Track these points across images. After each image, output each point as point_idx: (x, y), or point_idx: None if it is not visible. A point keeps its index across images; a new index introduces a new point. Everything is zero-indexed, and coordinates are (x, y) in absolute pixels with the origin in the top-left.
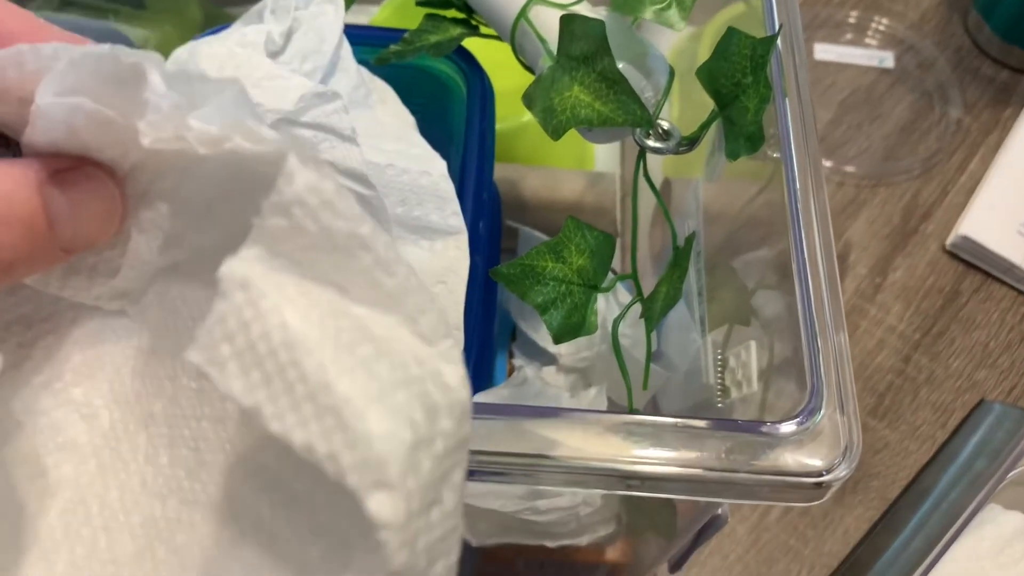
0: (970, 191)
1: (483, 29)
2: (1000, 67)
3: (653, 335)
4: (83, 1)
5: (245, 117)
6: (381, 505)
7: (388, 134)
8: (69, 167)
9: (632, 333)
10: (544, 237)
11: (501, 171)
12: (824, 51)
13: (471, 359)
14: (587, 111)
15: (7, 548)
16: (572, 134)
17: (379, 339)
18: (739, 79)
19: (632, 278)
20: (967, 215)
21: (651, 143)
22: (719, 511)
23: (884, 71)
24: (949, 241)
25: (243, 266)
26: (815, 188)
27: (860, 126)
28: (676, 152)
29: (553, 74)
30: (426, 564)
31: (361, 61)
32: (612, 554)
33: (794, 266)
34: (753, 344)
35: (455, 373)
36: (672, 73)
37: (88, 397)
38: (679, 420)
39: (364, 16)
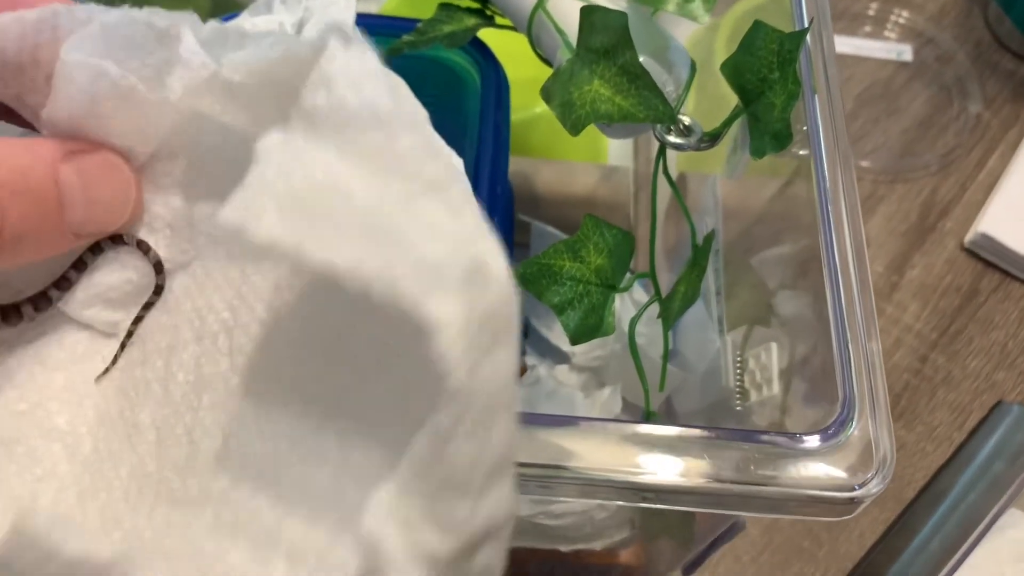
0: (989, 188)
1: (498, 19)
2: (1021, 61)
3: (669, 334)
4: None
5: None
6: (440, 305)
7: None
8: (86, 149)
9: (647, 331)
10: (557, 232)
11: (514, 164)
12: (842, 43)
13: None
14: (607, 106)
15: None
16: (587, 127)
17: (425, 208)
18: (765, 74)
19: (650, 277)
20: (986, 212)
21: (672, 139)
22: (738, 518)
23: (902, 64)
24: (967, 239)
25: (280, 134)
26: (846, 190)
27: (877, 120)
28: (697, 148)
29: (572, 67)
30: (486, 396)
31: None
32: (626, 558)
33: (825, 272)
34: (774, 346)
35: (498, 252)
36: (694, 67)
37: (72, 425)
38: (701, 430)
39: (374, 4)
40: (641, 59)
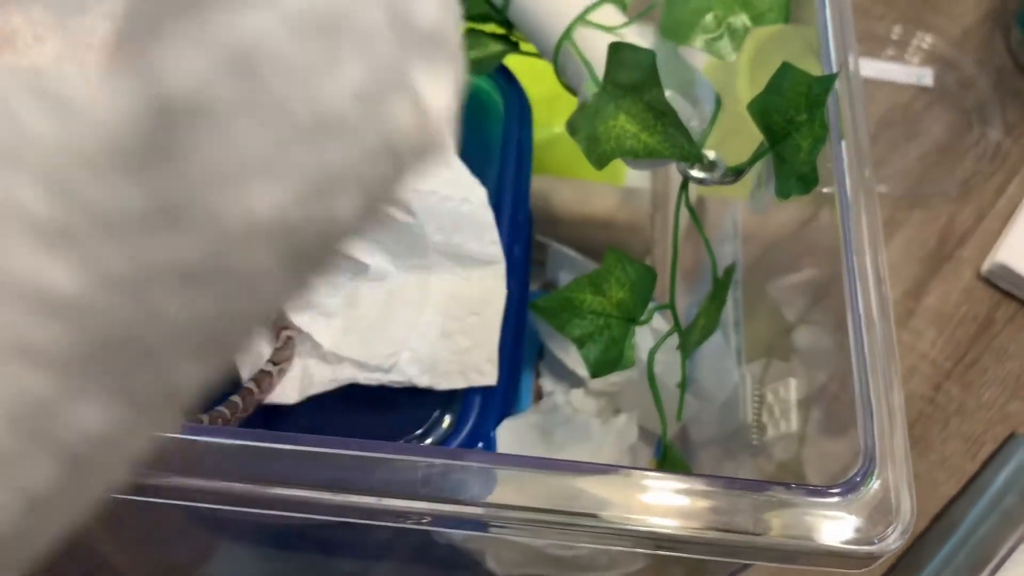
0: (1007, 217)
1: (523, 46)
2: None
3: (686, 362)
4: None
5: None
6: None
7: None
8: None
9: (664, 359)
10: (573, 253)
11: (531, 183)
12: (863, 66)
13: (501, 384)
14: (633, 142)
15: None
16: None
17: None
18: (792, 116)
19: (670, 308)
20: (1003, 242)
21: (695, 173)
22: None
23: (923, 89)
24: (984, 268)
25: None
26: (872, 241)
27: (896, 145)
28: (721, 183)
29: (598, 102)
30: None
31: None
32: None
33: (849, 323)
34: (793, 382)
35: None
36: (719, 102)
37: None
38: (719, 480)
39: None
40: (667, 93)
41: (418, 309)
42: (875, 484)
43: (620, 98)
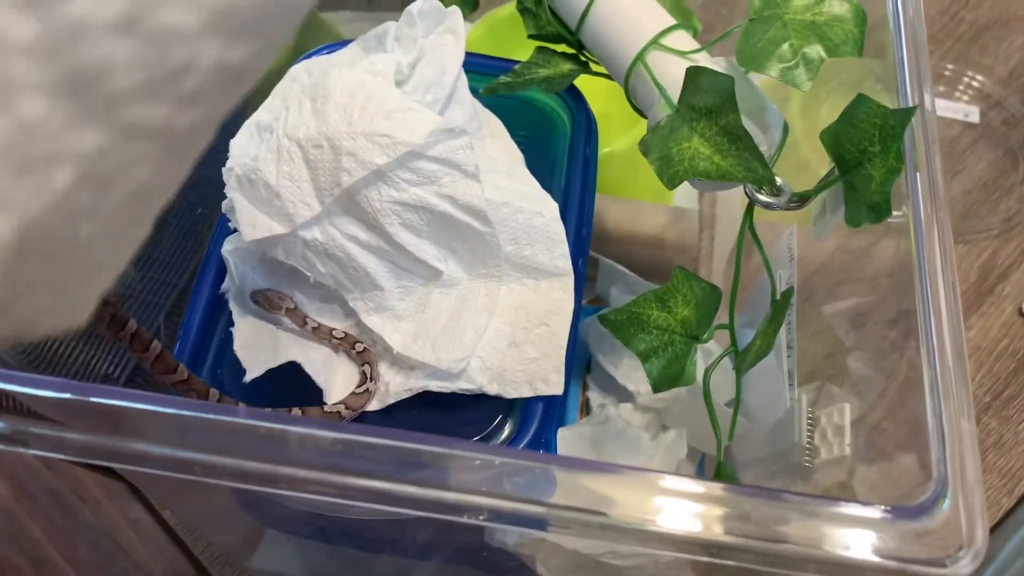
0: None
1: (593, 66)
2: None
3: (739, 383)
4: None
5: None
6: None
7: (499, 170)
8: None
9: (712, 378)
10: (624, 269)
11: None
12: None
13: (566, 396)
14: (706, 164)
15: None
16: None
17: None
18: (865, 147)
19: (728, 328)
20: None
21: (762, 198)
22: None
23: (968, 125)
24: None
25: None
26: (946, 273)
27: None
28: (787, 208)
29: (672, 123)
30: None
31: (471, 89)
32: None
33: (923, 352)
34: (847, 407)
35: None
36: (787, 128)
37: None
38: (784, 494)
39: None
40: None
41: (487, 316)
42: (947, 507)
43: (694, 121)
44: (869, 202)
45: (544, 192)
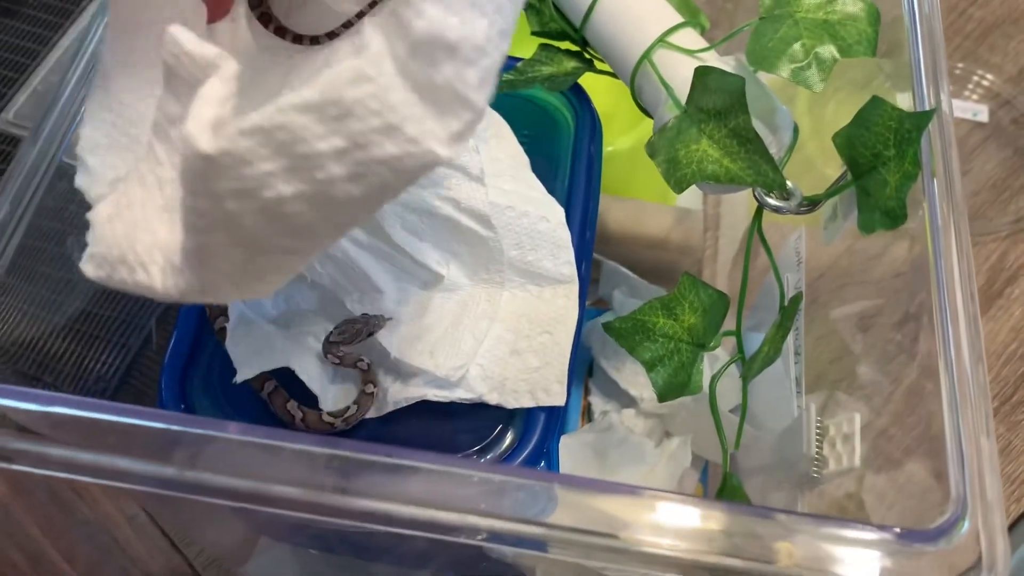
0: None
1: (598, 64)
2: None
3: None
4: None
5: None
6: None
7: (504, 172)
8: None
9: (718, 384)
10: (626, 271)
11: None
12: None
13: (568, 402)
14: (714, 167)
15: None
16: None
17: None
18: (880, 150)
19: (735, 335)
20: None
21: (772, 201)
22: None
23: (977, 124)
24: None
25: None
26: (965, 282)
27: None
28: (796, 212)
29: (680, 124)
30: None
31: None
32: None
33: (941, 364)
34: (857, 416)
35: None
36: (797, 131)
37: None
38: (795, 515)
39: None
40: None
41: (487, 323)
42: (966, 532)
43: (703, 122)
44: (884, 208)
45: (550, 196)
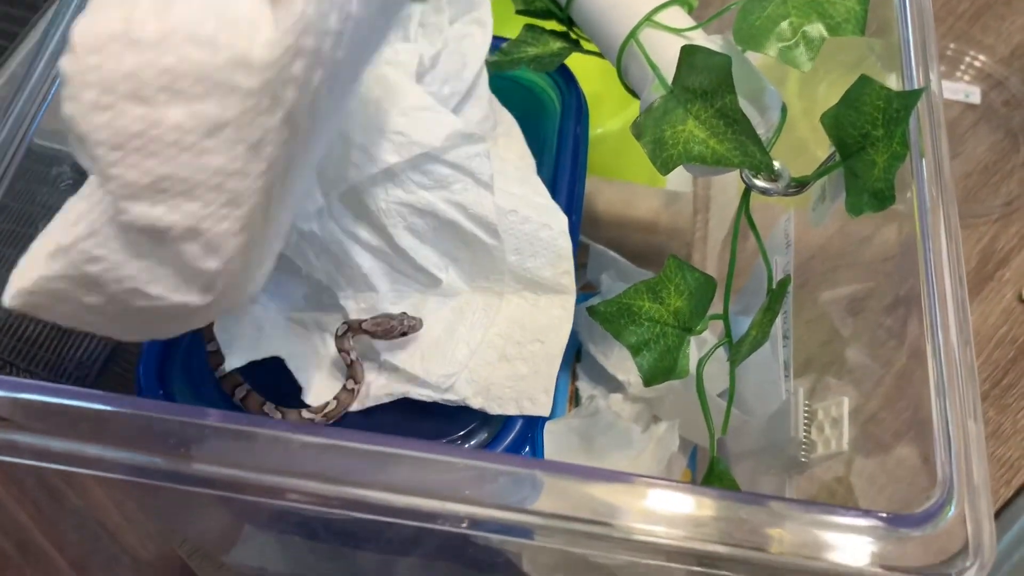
0: None
1: (584, 44)
2: None
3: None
4: None
5: None
6: None
7: (511, 175)
8: None
9: (706, 368)
10: (614, 254)
11: None
12: None
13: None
14: (701, 148)
15: None
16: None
17: None
18: (868, 131)
19: (723, 319)
20: None
21: (760, 183)
22: None
23: (969, 106)
24: None
25: None
26: (953, 265)
27: None
28: (784, 194)
29: (666, 105)
30: None
31: None
32: None
33: (928, 348)
34: (846, 400)
35: None
36: (785, 111)
37: None
38: (783, 501)
39: None
40: None
41: (482, 332)
42: (952, 516)
43: (690, 103)
44: (871, 189)
45: (554, 204)
